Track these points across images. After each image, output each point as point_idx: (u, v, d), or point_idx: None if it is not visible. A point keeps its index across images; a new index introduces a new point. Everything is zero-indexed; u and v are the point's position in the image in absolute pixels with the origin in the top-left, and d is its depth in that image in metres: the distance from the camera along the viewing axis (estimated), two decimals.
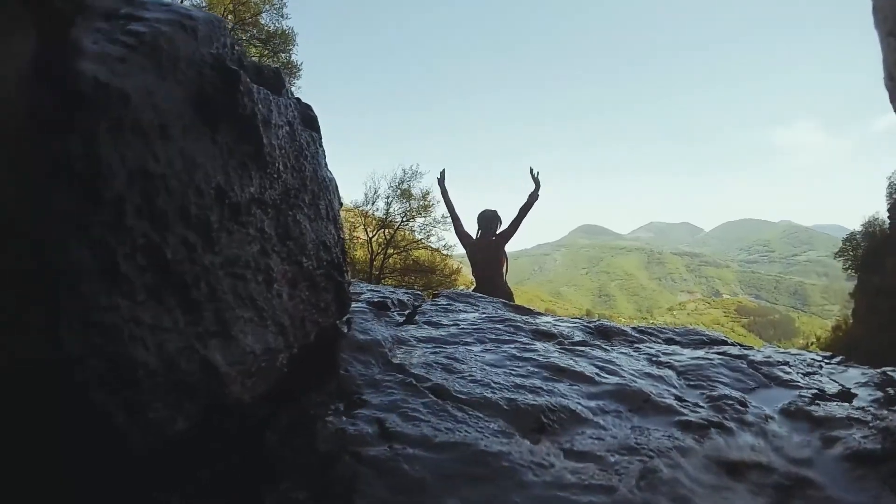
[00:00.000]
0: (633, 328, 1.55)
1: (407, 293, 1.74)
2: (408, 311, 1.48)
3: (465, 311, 1.61)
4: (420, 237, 15.83)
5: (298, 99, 1.05)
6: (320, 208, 1.03)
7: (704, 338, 1.49)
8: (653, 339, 1.46)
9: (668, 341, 1.45)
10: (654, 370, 1.13)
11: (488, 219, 3.98)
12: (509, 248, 4.04)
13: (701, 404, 0.96)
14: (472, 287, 3.92)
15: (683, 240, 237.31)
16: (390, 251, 15.47)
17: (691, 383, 1.08)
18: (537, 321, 1.50)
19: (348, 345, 1.06)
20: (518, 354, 1.13)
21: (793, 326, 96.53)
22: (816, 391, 1.06)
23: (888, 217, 17.13)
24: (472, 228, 4.10)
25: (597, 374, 1.06)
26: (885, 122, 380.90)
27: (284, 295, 0.85)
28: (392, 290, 1.78)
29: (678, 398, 0.97)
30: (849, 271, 19.53)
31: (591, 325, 1.54)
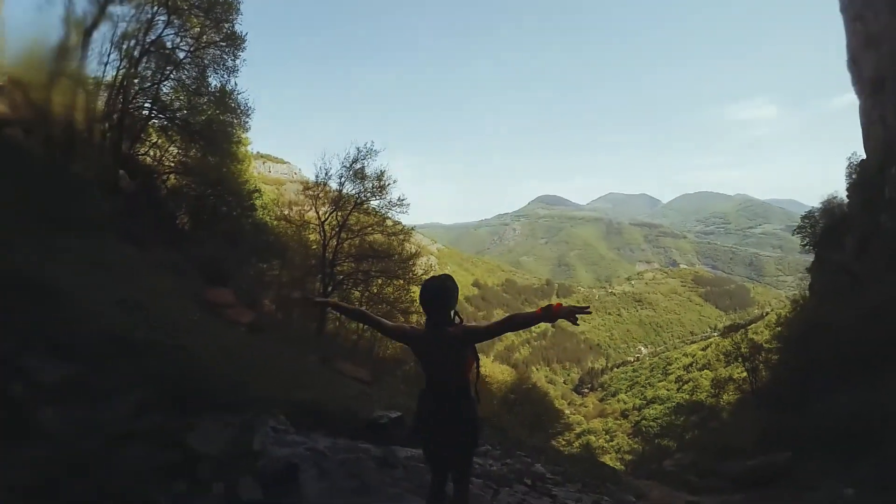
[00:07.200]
0: None
1: None
2: None
3: None
4: (375, 220, 15.06)
5: None
6: None
7: None
8: None
9: None
10: None
11: (434, 294, 2.22)
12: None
13: None
14: (424, 387, 2.36)
15: (641, 211, 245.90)
16: (344, 235, 14.73)
17: None
18: None
19: None
20: None
21: (748, 296, 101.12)
22: None
23: (847, 197, 17.18)
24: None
25: None
26: (844, 101, 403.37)
27: None
28: None
29: None
30: (806, 247, 19.85)
31: None
